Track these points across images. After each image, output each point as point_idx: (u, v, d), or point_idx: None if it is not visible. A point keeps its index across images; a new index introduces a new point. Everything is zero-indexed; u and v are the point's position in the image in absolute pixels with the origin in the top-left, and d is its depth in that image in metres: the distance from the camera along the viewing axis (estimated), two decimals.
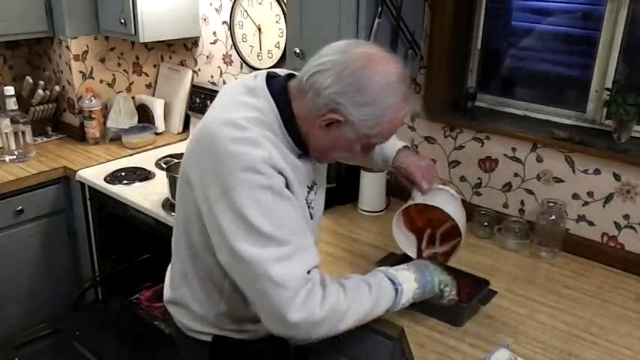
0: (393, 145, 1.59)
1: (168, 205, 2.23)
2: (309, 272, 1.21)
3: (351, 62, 1.17)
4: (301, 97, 1.23)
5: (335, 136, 1.23)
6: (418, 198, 1.55)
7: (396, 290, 1.35)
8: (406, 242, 1.66)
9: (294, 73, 1.33)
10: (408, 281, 1.39)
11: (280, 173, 1.20)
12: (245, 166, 1.16)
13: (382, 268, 1.43)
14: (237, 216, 1.17)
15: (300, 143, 1.28)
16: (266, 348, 1.50)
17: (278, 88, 1.27)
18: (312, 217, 1.38)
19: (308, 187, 1.36)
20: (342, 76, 1.16)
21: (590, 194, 1.90)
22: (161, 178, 2.44)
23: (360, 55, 1.19)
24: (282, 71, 1.36)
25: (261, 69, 2.61)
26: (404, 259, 1.63)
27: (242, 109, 1.24)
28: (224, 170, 1.18)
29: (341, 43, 1.24)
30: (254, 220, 1.17)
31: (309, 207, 1.36)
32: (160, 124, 3.01)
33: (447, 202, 1.54)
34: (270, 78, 1.30)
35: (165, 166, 2.48)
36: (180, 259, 1.43)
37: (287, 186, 1.23)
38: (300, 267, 1.20)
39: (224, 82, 2.87)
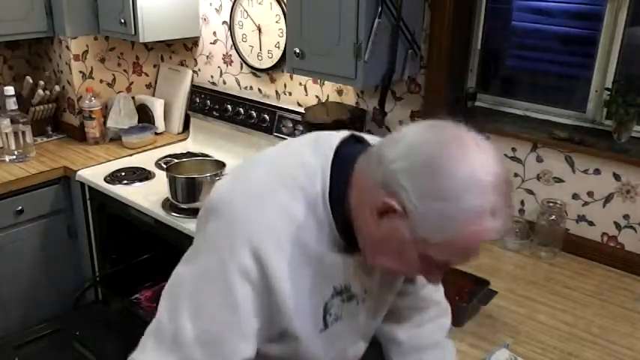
0: None
1: (168, 205, 2.24)
2: None
3: (432, 137, 0.89)
4: (365, 167, 0.94)
5: (386, 231, 0.91)
6: None
7: None
8: None
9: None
10: None
11: (261, 264, 0.93)
12: (227, 240, 0.94)
13: None
14: (179, 268, 0.99)
15: (346, 231, 0.98)
16: None
17: (349, 152, 0.99)
18: (326, 327, 1.07)
19: (335, 288, 1.05)
20: (415, 151, 0.87)
21: (590, 194, 1.90)
22: (161, 178, 2.43)
23: (447, 131, 0.90)
24: (373, 138, 1.08)
25: (261, 69, 2.65)
26: None
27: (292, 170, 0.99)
28: (215, 230, 0.97)
29: (429, 121, 0.93)
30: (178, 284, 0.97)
31: (326, 313, 1.06)
32: (159, 124, 3.01)
33: None
34: (356, 141, 1.04)
35: (165, 166, 2.48)
36: None
37: (265, 274, 0.93)
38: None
39: (224, 83, 2.87)
